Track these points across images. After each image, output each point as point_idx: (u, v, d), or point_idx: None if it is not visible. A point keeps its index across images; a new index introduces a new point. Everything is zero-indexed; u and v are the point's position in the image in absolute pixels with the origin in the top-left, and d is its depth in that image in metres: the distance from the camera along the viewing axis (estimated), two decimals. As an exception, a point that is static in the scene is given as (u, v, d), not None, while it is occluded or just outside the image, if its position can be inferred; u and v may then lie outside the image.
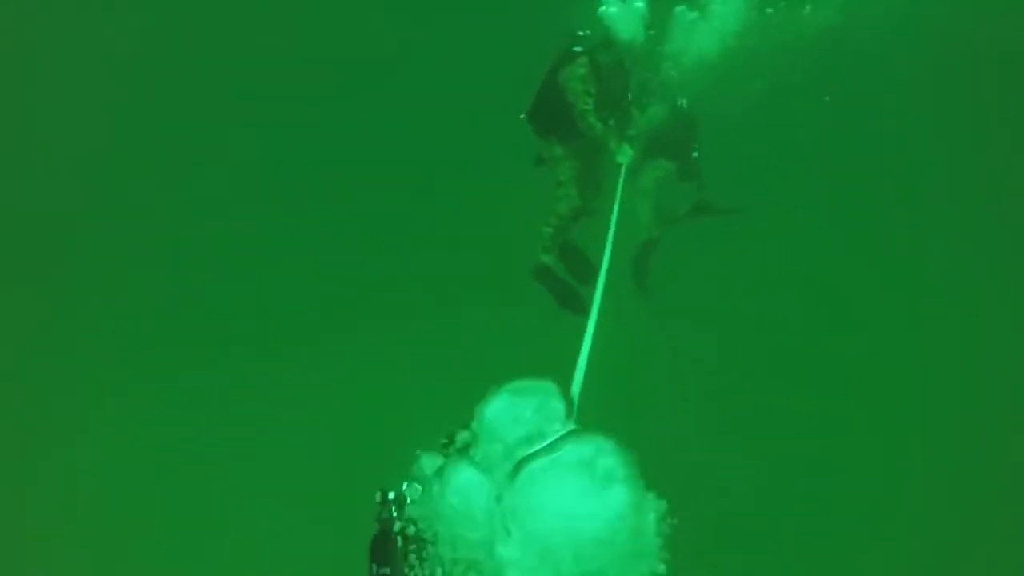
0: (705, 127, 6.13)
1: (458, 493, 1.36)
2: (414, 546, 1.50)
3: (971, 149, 8.17)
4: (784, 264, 7.52)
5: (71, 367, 6.64)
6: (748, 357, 6.79)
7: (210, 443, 6.01)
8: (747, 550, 5.31)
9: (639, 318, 6.03)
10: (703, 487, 5.06)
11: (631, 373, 5.86)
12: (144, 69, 8.37)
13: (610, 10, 4.96)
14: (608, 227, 3.29)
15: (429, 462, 1.64)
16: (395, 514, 1.76)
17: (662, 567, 1.23)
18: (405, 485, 1.86)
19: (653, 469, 1.28)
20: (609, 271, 2.56)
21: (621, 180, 4.48)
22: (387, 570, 1.63)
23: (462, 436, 1.53)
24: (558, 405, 1.45)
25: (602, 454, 1.29)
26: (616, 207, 3.68)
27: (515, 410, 1.42)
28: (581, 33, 5.12)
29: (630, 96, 5.37)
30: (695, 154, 6.00)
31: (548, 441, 1.34)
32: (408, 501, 1.79)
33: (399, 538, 1.67)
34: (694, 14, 6.01)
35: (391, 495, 1.89)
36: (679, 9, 5.95)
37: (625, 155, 4.79)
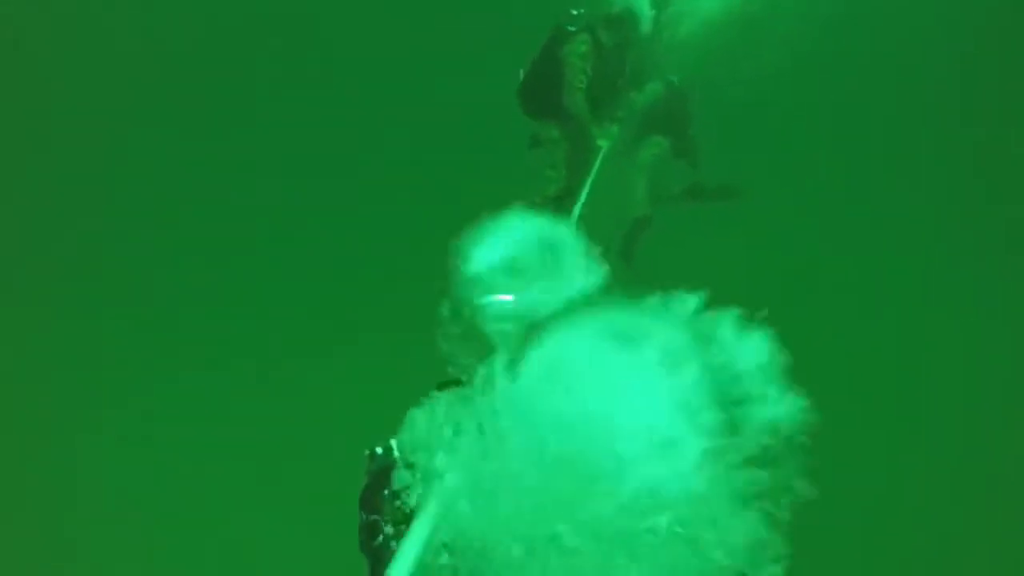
0: (698, 104, 6.15)
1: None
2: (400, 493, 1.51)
3: (963, 123, 8.16)
4: (774, 250, 7.49)
5: (68, 367, 6.60)
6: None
7: (207, 442, 5.99)
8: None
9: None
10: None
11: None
12: (134, 67, 8.36)
13: None
14: (579, 204, 3.31)
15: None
16: (385, 463, 1.81)
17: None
18: (393, 441, 1.91)
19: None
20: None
21: (598, 162, 4.50)
22: (376, 517, 1.66)
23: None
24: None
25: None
26: (587, 188, 3.69)
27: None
28: (575, 12, 5.11)
29: (626, 76, 5.36)
30: (691, 131, 6.04)
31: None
32: (396, 453, 1.83)
33: (388, 488, 1.71)
34: None
35: (379, 449, 1.94)
36: None
37: (607, 137, 4.80)
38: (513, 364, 1.34)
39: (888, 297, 7.34)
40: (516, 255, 1.91)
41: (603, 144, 4.81)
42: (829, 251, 7.81)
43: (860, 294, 7.50)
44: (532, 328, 1.52)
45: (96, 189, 8.05)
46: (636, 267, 6.12)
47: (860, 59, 8.27)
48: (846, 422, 6.47)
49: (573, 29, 5.00)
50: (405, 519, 1.59)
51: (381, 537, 1.73)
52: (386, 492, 1.71)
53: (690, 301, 1.39)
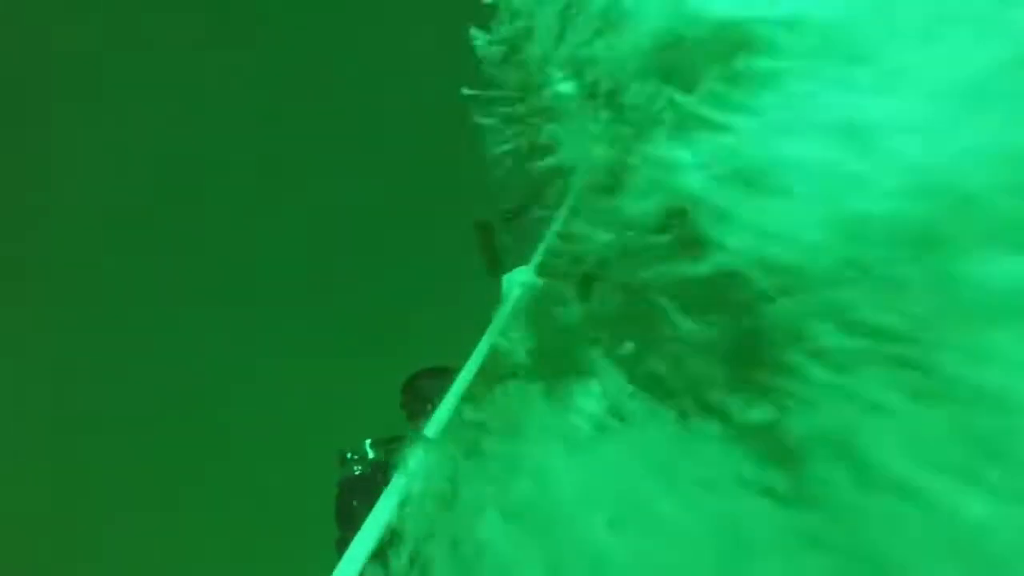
0: None
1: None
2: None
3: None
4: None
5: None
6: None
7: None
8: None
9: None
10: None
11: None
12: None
13: None
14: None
15: None
16: (357, 470, 1.73)
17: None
18: (368, 441, 1.83)
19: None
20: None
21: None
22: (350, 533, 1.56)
23: None
24: None
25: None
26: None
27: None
28: None
29: None
30: None
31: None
32: (370, 455, 1.75)
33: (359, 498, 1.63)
34: None
35: (351, 454, 1.85)
36: None
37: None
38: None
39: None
40: None
41: None
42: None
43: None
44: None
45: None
46: None
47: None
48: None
49: None
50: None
51: None
52: (355, 503, 1.62)
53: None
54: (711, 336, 1.39)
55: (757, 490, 1.19)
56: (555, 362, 1.55)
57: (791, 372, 1.24)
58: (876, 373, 1.19)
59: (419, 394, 1.93)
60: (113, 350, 6.60)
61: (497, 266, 5.23)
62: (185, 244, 7.17)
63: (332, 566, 1.38)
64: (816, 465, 1.17)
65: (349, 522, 2.03)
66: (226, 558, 5.46)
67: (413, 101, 6.48)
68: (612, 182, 1.65)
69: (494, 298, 2.38)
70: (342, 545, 1.67)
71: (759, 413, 1.26)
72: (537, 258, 2.16)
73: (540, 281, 1.95)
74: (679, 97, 1.52)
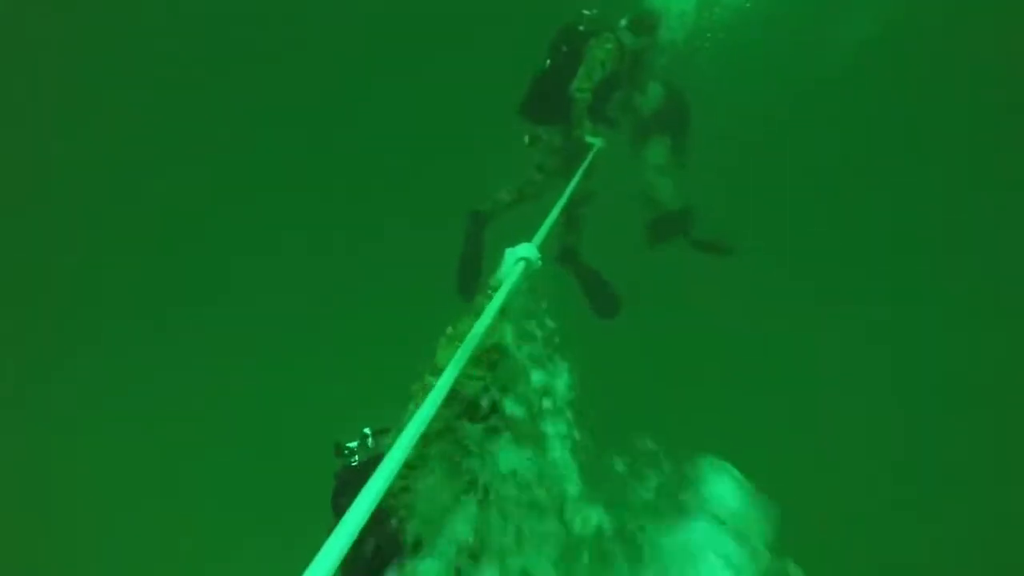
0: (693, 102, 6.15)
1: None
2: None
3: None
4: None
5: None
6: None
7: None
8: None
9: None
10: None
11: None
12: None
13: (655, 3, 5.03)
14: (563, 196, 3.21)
15: None
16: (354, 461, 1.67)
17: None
18: (367, 430, 1.76)
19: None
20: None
21: (587, 160, 4.40)
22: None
23: None
24: None
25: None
26: (575, 181, 3.57)
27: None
28: (587, 12, 5.03)
29: (633, 81, 5.31)
30: (688, 129, 6.08)
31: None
32: (371, 444, 1.68)
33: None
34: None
35: (350, 444, 1.78)
36: None
37: (598, 140, 4.71)
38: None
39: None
40: None
41: (595, 143, 4.68)
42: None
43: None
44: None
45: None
46: (726, 245, 6.00)
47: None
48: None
49: (583, 29, 4.93)
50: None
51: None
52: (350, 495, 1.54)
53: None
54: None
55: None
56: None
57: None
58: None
59: None
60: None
61: (475, 262, 5.16)
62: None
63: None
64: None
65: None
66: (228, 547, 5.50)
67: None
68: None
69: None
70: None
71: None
72: (540, 234, 2.10)
73: (540, 259, 1.88)
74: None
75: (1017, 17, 7.57)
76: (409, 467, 1.85)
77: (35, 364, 6.53)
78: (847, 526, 5.73)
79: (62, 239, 7.36)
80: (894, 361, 6.95)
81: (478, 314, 1.65)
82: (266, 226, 7.45)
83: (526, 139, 5.11)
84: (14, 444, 5.87)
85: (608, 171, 4.89)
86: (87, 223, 7.42)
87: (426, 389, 1.79)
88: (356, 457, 1.69)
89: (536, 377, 1.93)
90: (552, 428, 1.95)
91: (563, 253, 5.40)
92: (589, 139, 4.61)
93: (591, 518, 1.94)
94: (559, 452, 1.97)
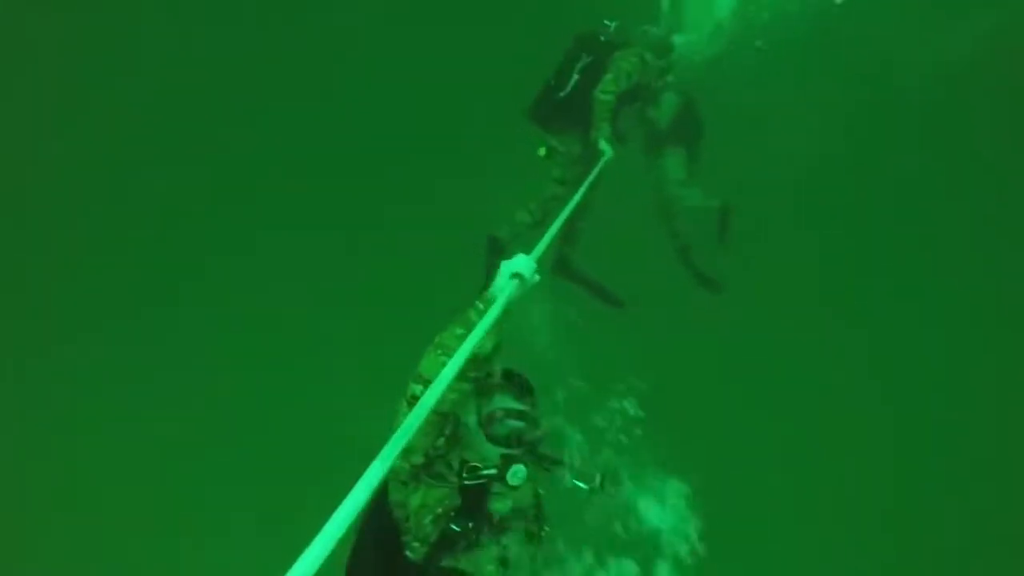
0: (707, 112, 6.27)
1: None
2: None
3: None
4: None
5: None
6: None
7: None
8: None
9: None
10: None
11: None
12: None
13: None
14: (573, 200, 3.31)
15: None
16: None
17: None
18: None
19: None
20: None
21: (597, 168, 4.43)
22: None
23: None
24: None
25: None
26: (581, 192, 3.64)
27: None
28: (608, 23, 5.16)
29: (650, 93, 5.42)
30: (703, 139, 6.20)
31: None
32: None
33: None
34: None
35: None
36: None
37: (609, 149, 4.75)
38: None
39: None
40: None
41: (606, 151, 4.70)
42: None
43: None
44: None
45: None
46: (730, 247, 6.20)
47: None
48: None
49: (604, 40, 5.04)
50: None
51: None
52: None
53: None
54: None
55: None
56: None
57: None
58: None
59: None
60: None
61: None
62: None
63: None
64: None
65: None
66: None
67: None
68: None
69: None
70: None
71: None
72: (539, 247, 2.16)
73: (538, 274, 1.93)
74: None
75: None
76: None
77: (30, 358, 6.54)
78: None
79: (60, 236, 7.35)
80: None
81: (468, 328, 1.69)
82: (264, 224, 7.45)
83: (542, 151, 5.11)
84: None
85: (614, 185, 4.94)
86: (86, 220, 7.40)
87: (410, 399, 1.87)
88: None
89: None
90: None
91: (559, 263, 5.47)
92: (603, 146, 4.65)
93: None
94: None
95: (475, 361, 1.98)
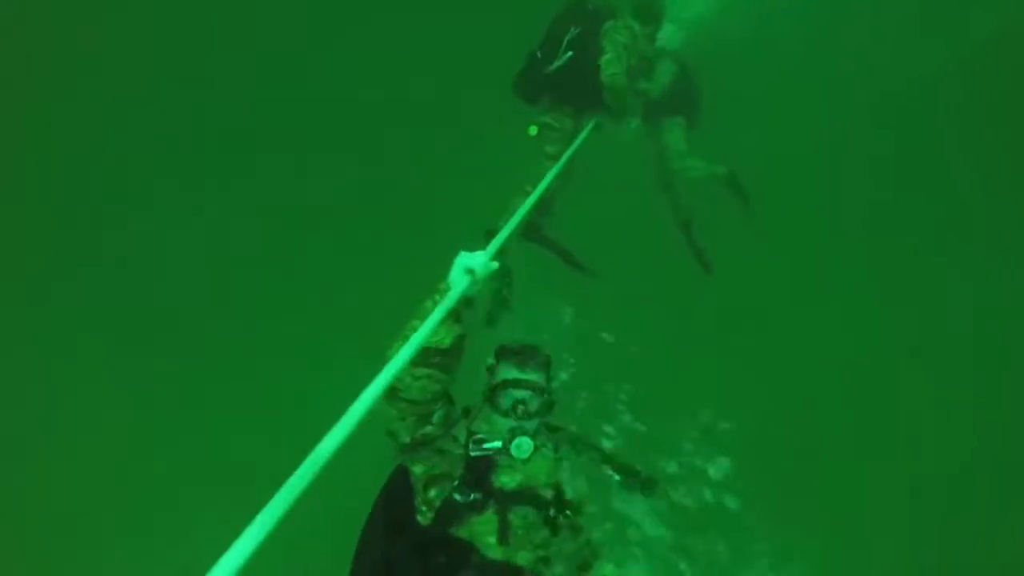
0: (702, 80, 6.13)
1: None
2: None
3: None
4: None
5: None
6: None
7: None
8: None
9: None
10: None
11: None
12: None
13: None
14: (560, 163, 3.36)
15: None
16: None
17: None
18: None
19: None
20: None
21: (580, 138, 4.40)
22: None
23: None
24: None
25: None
26: (570, 151, 3.67)
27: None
28: None
29: (644, 63, 5.24)
30: (700, 108, 6.01)
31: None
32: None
33: None
34: None
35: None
36: None
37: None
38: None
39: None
40: None
41: (589, 124, 4.66)
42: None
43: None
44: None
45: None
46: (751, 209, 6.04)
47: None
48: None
49: (591, 8, 4.81)
50: None
51: None
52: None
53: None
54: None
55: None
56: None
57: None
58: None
59: None
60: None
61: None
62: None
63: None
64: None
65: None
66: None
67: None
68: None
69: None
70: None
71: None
72: (493, 246, 2.20)
73: (494, 266, 2.01)
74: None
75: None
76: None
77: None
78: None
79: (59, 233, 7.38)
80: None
81: (422, 318, 1.77)
82: (262, 221, 7.46)
83: (532, 131, 4.91)
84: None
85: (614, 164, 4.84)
86: (86, 217, 7.45)
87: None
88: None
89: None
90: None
91: (528, 227, 5.25)
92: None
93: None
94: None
95: (437, 352, 2.09)
